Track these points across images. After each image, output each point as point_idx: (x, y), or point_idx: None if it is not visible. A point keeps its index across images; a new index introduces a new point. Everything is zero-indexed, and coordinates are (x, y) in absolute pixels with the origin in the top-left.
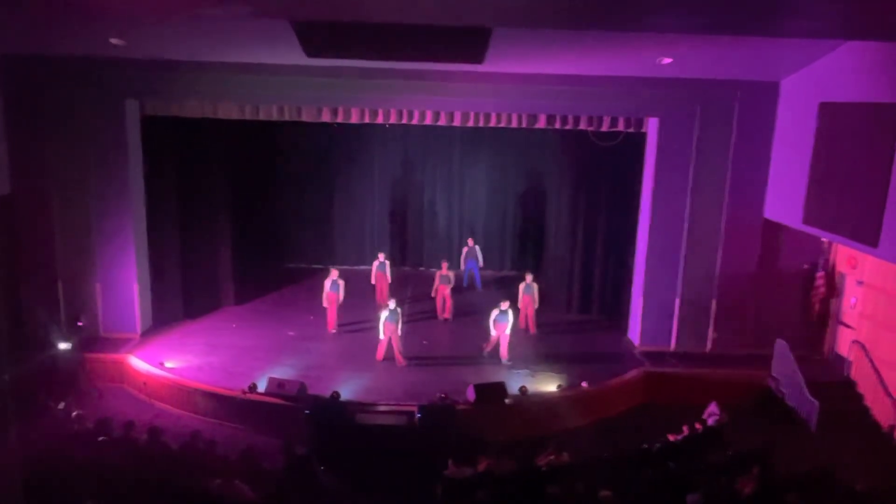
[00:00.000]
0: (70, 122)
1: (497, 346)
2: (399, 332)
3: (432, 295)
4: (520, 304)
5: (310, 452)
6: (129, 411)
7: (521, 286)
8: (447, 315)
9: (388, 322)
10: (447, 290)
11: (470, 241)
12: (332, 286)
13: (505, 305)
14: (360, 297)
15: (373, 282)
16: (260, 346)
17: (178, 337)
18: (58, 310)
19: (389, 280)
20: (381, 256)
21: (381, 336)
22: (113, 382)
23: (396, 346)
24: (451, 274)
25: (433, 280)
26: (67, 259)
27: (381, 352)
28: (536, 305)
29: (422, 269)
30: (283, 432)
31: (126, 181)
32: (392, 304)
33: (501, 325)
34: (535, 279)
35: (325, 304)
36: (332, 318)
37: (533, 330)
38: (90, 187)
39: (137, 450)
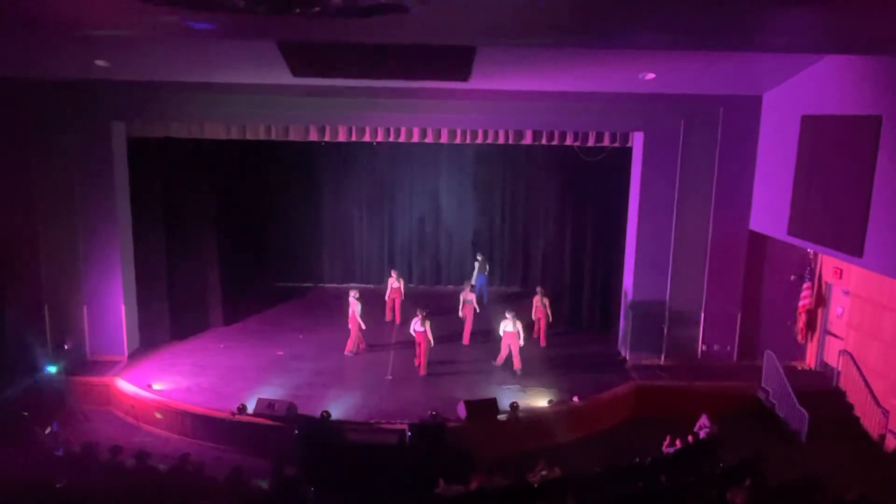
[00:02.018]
0: (56, 145)
1: (509, 357)
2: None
3: (460, 315)
4: (534, 316)
5: (299, 473)
6: (116, 435)
7: (536, 299)
8: (465, 341)
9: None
10: (469, 312)
11: (479, 256)
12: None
13: (510, 315)
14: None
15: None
16: (249, 366)
17: (166, 358)
18: (44, 333)
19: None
20: (395, 274)
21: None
22: (100, 406)
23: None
24: (473, 297)
25: (422, 297)
26: (53, 282)
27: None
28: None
29: (411, 285)
30: (273, 453)
31: (113, 203)
32: (422, 314)
33: (511, 334)
34: (523, 293)
35: (363, 325)
36: (357, 338)
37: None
38: (77, 209)
39: (125, 473)
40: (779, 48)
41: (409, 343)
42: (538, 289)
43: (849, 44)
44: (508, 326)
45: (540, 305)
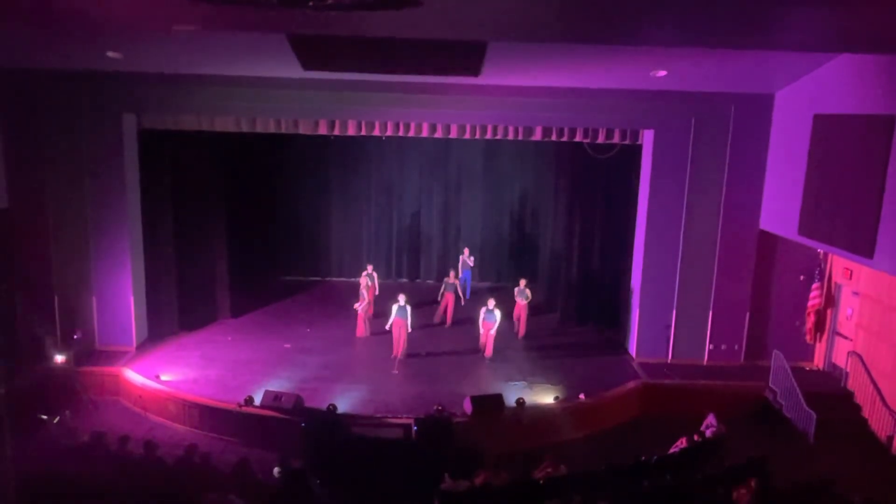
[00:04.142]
0: (67, 136)
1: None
2: (409, 328)
3: (438, 299)
4: (515, 309)
5: (305, 466)
6: (124, 425)
7: (516, 290)
8: (448, 322)
9: (397, 318)
10: (451, 298)
11: (465, 251)
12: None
13: (491, 304)
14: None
15: (366, 296)
16: (256, 359)
17: (174, 350)
18: (53, 323)
19: (377, 292)
20: (370, 268)
21: (388, 327)
22: (108, 396)
23: (402, 342)
24: (458, 283)
25: (428, 291)
26: (63, 272)
27: (396, 347)
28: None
29: (417, 280)
30: (279, 445)
31: (123, 194)
32: (402, 300)
33: (489, 323)
34: (531, 289)
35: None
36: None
37: (522, 333)
38: (87, 201)
39: (132, 464)
40: (791, 46)
41: (414, 338)
42: (522, 281)
43: (862, 42)
44: (485, 314)
45: (518, 297)
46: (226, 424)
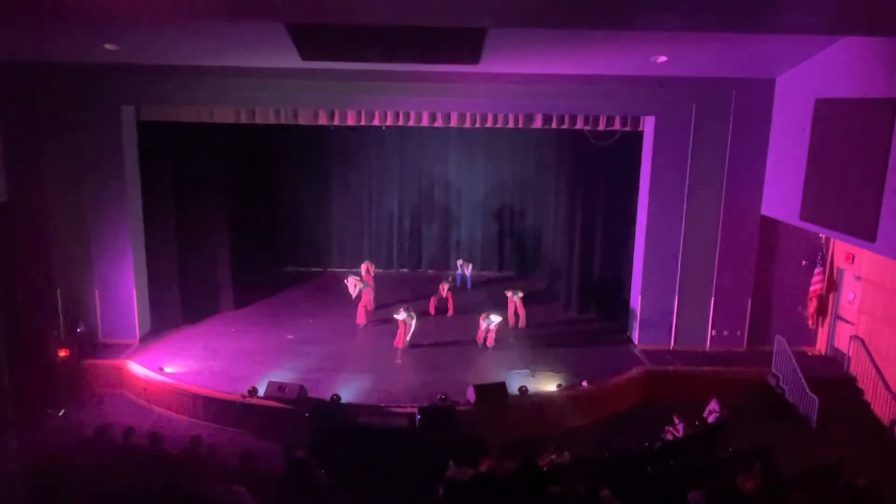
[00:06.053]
0: (66, 129)
1: (486, 337)
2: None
3: (443, 295)
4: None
5: (310, 456)
6: (128, 417)
7: (507, 292)
8: (450, 311)
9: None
10: (447, 293)
11: (460, 263)
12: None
13: (492, 315)
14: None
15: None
16: (259, 350)
17: (177, 342)
18: (56, 316)
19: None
20: (367, 264)
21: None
22: (112, 388)
23: (408, 334)
24: (450, 278)
25: (430, 281)
26: (65, 265)
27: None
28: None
29: (419, 270)
30: (284, 436)
31: (123, 187)
32: (412, 312)
33: (488, 324)
34: (533, 278)
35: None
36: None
37: (522, 323)
38: (87, 194)
39: (137, 456)
40: (792, 29)
41: (417, 328)
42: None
43: (862, 25)
44: (496, 318)
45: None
46: (230, 415)
